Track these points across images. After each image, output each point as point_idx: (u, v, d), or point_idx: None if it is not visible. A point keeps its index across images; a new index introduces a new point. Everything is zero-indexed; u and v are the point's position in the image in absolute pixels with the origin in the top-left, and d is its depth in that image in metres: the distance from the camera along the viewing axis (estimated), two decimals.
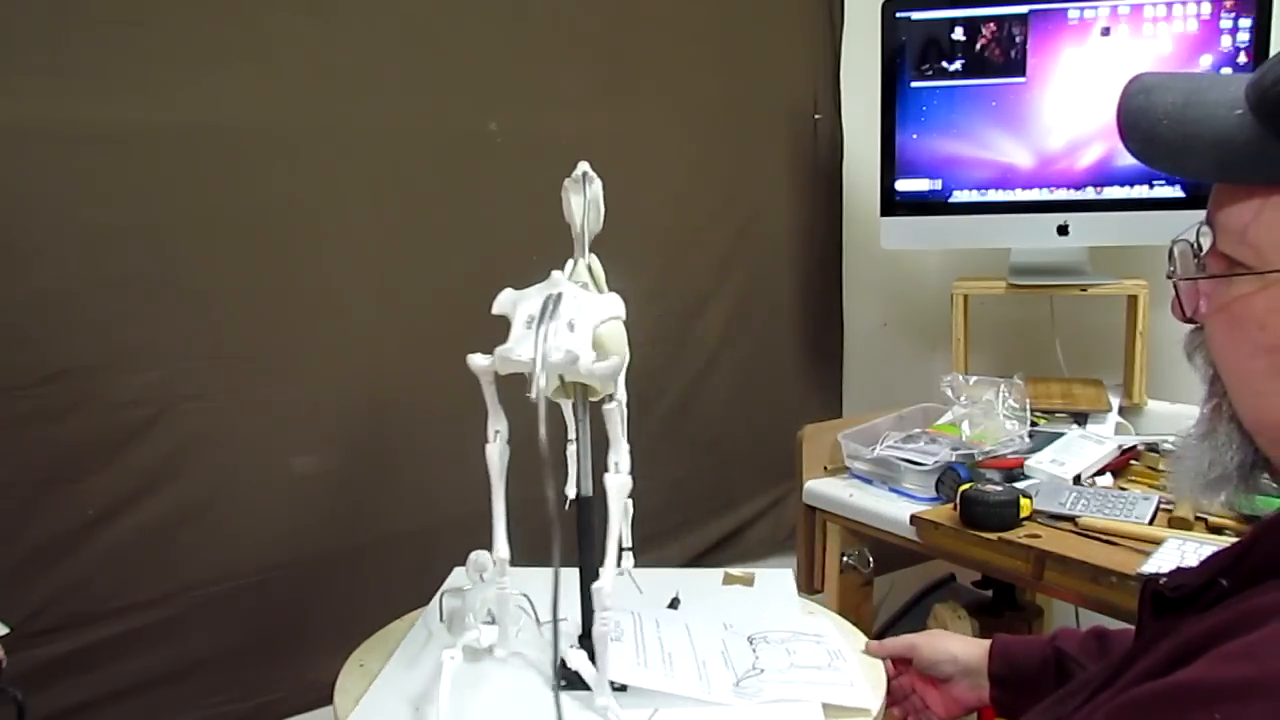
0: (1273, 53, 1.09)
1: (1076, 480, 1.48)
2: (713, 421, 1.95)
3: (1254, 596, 0.56)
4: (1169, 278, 0.67)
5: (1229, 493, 0.66)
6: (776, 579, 1.29)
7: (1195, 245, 0.64)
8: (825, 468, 1.71)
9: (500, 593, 1.01)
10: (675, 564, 1.87)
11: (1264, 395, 0.62)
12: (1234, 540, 0.66)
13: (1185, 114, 0.60)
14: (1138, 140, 0.64)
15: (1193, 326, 0.67)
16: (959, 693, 1.05)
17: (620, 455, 0.91)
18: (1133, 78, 0.65)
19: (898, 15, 1.83)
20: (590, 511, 1.03)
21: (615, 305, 0.95)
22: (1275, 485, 0.66)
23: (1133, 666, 0.64)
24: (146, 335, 1.38)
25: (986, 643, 1.05)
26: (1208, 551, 0.89)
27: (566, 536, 1.09)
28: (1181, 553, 1.19)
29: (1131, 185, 1.76)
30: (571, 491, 1.07)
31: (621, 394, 0.94)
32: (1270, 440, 0.63)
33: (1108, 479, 1.51)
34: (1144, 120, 0.62)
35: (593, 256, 1.03)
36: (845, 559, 1.66)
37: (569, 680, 0.94)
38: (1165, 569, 0.65)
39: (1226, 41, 1.68)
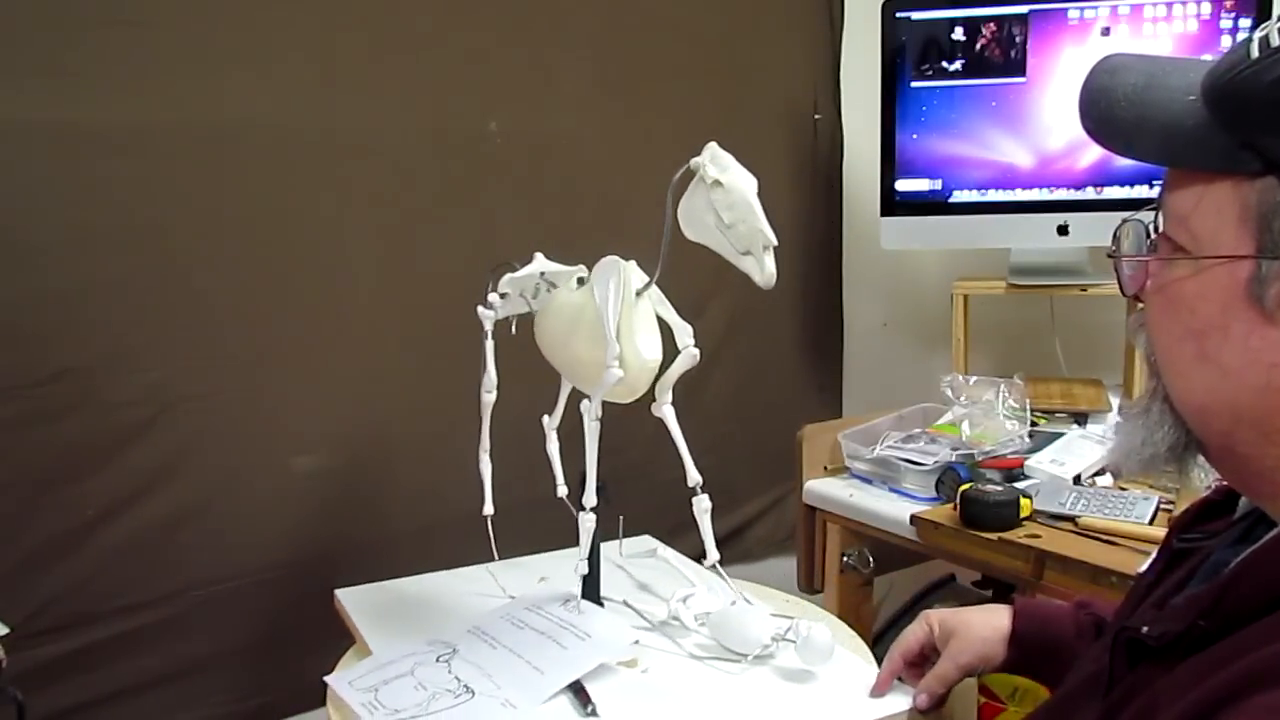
0: None
1: (1076, 480, 1.48)
2: (713, 421, 1.94)
3: (1255, 641, 0.54)
4: (1109, 255, 0.69)
5: (1159, 471, 0.67)
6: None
7: (1148, 226, 0.65)
8: (825, 468, 1.71)
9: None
10: None
11: (1190, 378, 0.63)
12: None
13: (1143, 97, 0.61)
14: (1094, 119, 0.64)
15: (1140, 308, 0.68)
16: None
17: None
18: (1103, 57, 0.65)
19: (898, 15, 1.83)
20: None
21: None
22: (1207, 469, 0.66)
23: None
24: (146, 335, 1.38)
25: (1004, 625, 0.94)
26: None
27: (571, 525, 1.11)
28: None
29: (1131, 185, 1.76)
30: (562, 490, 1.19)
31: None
32: (1196, 423, 0.64)
33: (1108, 479, 1.50)
34: (1104, 100, 0.63)
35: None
36: (845, 559, 1.66)
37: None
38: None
39: (1226, 41, 1.68)
